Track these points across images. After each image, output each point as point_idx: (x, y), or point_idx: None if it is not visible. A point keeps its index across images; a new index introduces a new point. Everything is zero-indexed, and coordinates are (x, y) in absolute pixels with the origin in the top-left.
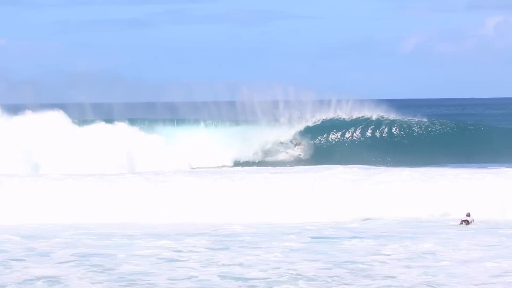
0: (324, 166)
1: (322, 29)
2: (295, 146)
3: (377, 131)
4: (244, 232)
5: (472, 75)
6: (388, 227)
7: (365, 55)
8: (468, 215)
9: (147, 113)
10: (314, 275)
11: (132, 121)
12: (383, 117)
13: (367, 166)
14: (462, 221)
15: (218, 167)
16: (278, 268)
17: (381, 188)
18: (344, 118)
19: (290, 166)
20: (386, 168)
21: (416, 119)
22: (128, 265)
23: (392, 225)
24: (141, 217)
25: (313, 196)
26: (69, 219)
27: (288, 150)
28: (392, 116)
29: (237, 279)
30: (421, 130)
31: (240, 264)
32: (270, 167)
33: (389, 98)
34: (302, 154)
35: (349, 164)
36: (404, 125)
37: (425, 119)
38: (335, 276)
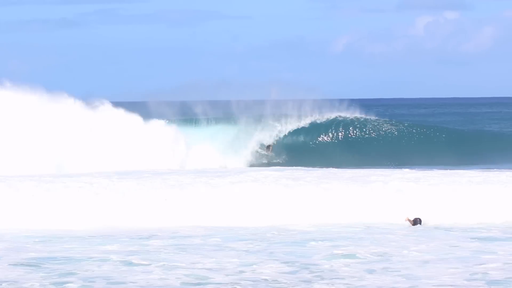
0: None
1: (253, 29)
2: (267, 148)
3: (358, 131)
4: (202, 235)
5: (402, 75)
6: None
7: (296, 55)
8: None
9: None
10: (275, 280)
11: None
12: (359, 118)
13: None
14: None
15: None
16: (243, 272)
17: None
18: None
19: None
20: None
21: (394, 121)
22: (86, 270)
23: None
24: (92, 221)
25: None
26: (15, 224)
27: (262, 152)
28: (371, 117)
29: (198, 284)
30: (396, 130)
31: (203, 268)
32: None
33: (320, 98)
34: (274, 156)
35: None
36: (383, 126)
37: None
38: (297, 279)
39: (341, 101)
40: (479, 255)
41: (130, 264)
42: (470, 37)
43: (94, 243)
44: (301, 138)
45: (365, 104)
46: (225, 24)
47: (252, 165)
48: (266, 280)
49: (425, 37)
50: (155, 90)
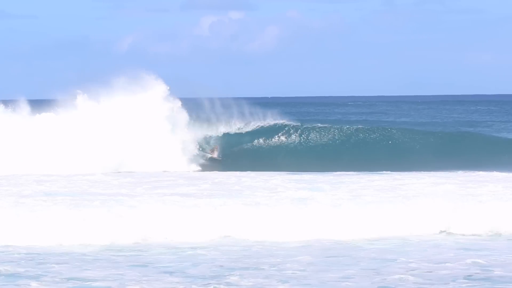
0: None
1: (37, 29)
2: (212, 151)
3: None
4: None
5: (187, 75)
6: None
7: (81, 55)
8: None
9: None
10: None
11: None
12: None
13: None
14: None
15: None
16: None
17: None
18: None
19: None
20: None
21: (347, 126)
22: None
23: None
24: None
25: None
26: None
27: (207, 155)
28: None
29: None
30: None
31: None
32: None
33: None
34: (221, 158)
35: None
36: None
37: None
38: None
39: None
40: None
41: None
42: (254, 37)
43: None
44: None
45: None
46: (8, 24)
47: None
48: None
49: (210, 37)
50: None
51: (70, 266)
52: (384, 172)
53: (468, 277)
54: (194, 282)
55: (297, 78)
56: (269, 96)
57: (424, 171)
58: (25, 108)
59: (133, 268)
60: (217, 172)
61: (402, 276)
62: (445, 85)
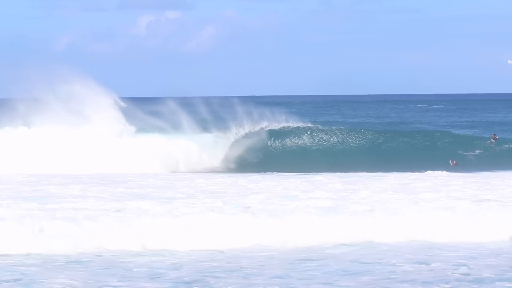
0: None
1: None
2: None
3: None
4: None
5: (124, 74)
6: None
7: (17, 54)
8: None
9: None
10: None
11: None
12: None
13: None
14: None
15: None
16: None
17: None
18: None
19: None
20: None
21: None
22: None
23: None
24: None
25: None
26: None
27: None
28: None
29: None
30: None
31: None
32: None
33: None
34: None
35: None
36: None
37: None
38: None
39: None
40: None
41: None
42: (191, 36)
43: None
44: None
45: None
46: None
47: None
48: None
49: (147, 36)
50: None
51: None
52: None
53: None
54: None
55: (234, 77)
56: (206, 95)
57: None
58: None
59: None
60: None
61: None
62: (382, 85)
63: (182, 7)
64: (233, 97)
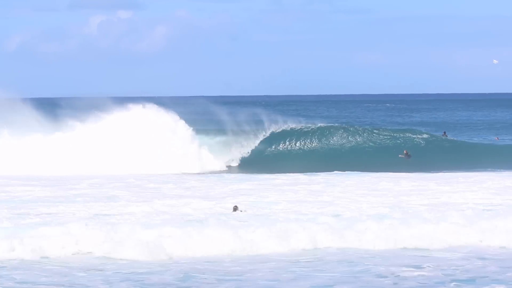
0: None
1: None
2: None
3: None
4: None
5: (77, 74)
6: None
7: None
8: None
9: None
10: None
11: None
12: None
13: None
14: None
15: None
16: None
17: None
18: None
19: None
20: None
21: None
22: None
23: None
24: None
25: None
26: None
27: None
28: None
29: None
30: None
31: None
32: None
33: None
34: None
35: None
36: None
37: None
38: None
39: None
40: None
41: None
42: (143, 36)
43: None
44: None
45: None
46: None
47: None
48: None
49: (98, 36)
50: None
51: None
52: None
53: None
54: None
55: (185, 77)
56: (156, 96)
57: None
58: None
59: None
60: None
61: None
62: (334, 85)
63: (134, 7)
64: (184, 97)
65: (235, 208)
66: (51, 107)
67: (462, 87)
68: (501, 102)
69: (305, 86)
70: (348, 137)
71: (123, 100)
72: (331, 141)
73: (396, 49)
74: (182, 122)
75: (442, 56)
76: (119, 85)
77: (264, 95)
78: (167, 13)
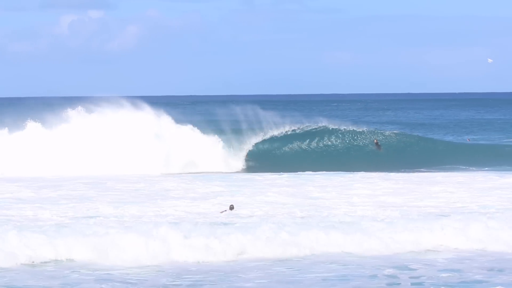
0: None
1: None
2: None
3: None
4: None
5: (47, 74)
6: None
7: None
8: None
9: None
10: None
11: None
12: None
13: None
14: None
15: None
16: None
17: None
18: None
19: None
20: None
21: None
22: None
23: None
24: None
25: None
26: None
27: None
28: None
29: None
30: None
31: None
32: None
33: None
34: None
35: None
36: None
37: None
38: None
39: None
40: None
41: None
42: (114, 36)
43: None
44: None
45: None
46: None
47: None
48: None
49: (69, 36)
50: None
51: None
52: None
53: None
54: None
55: (156, 76)
56: (129, 95)
57: None
58: None
59: None
60: None
61: None
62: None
63: (105, 6)
64: (157, 96)
65: (232, 207)
66: (20, 107)
67: (433, 86)
68: (470, 102)
69: (276, 86)
70: (331, 138)
71: (93, 100)
72: (322, 143)
73: (367, 48)
74: (169, 119)
75: (413, 55)
76: (90, 84)
77: (235, 95)
78: (138, 13)
